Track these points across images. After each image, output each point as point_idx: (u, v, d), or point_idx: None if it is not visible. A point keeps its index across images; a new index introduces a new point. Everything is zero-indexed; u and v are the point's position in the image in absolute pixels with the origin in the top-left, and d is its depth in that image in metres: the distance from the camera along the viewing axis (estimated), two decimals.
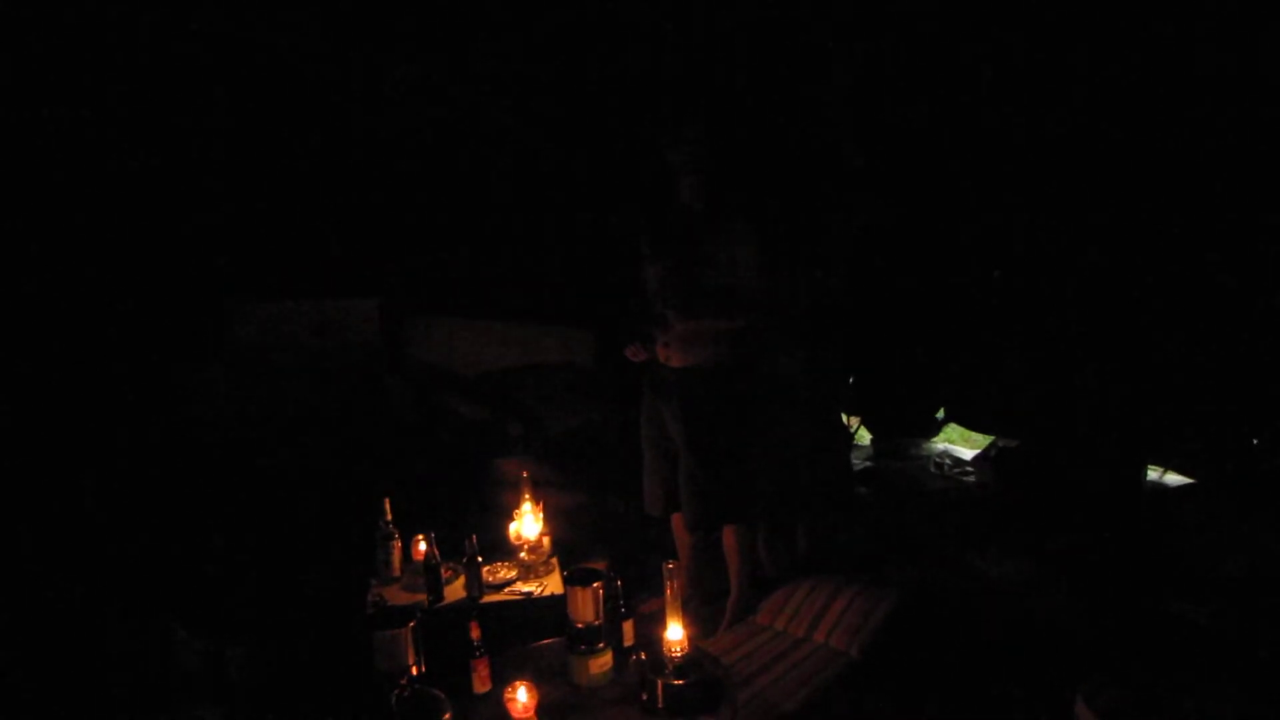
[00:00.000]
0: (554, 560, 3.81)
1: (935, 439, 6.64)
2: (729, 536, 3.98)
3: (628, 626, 2.98)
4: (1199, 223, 4.68)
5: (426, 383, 5.07)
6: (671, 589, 2.72)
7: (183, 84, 4.48)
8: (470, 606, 3.41)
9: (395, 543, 3.68)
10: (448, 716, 2.52)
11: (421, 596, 3.49)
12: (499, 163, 5.19)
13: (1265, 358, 4.74)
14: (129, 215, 4.54)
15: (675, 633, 2.71)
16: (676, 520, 4.12)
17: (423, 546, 3.60)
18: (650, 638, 2.84)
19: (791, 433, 4.75)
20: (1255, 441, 5.00)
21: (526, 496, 3.82)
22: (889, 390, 6.56)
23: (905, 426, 6.58)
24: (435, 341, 5.22)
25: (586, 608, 2.83)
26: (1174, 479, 5.37)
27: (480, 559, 3.52)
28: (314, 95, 4.74)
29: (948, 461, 6.22)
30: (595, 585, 2.85)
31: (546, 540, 3.82)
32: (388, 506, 3.63)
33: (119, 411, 4.36)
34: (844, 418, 5.83)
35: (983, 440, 6.34)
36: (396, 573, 3.69)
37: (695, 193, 3.68)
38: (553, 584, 3.62)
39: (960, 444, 6.66)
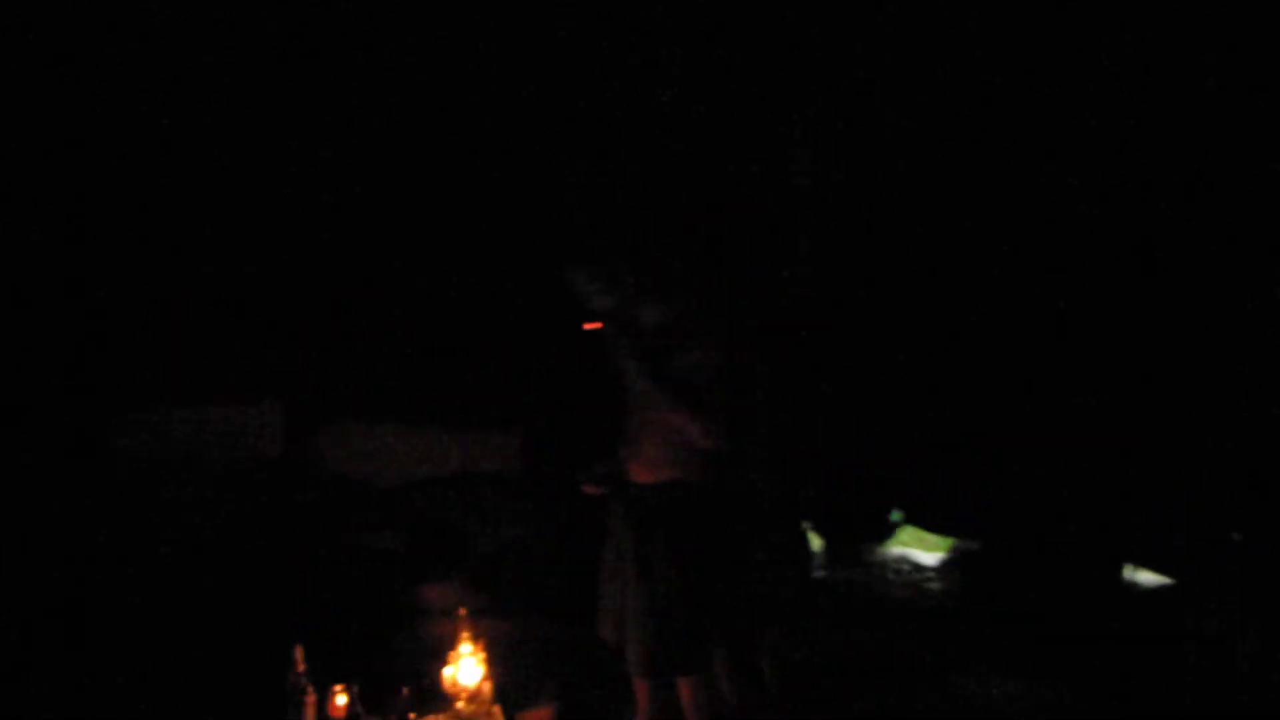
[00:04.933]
0: (496, 709, 3.20)
1: (890, 543, 6.21)
2: (685, 690, 3.32)
3: None
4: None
5: (339, 500, 4.44)
6: None
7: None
8: None
9: (309, 698, 3.01)
10: None
11: None
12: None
13: (1247, 448, 4.50)
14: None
15: None
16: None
17: (341, 700, 2.95)
18: None
19: (753, 543, 4.28)
20: (1235, 537, 4.73)
21: (465, 635, 3.21)
22: (841, 491, 6.19)
23: (859, 530, 6.18)
24: (352, 450, 4.61)
25: None
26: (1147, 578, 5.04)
27: (413, 716, 2.90)
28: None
29: (906, 567, 5.78)
30: None
31: (488, 686, 3.21)
32: (299, 655, 2.98)
33: None
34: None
35: (940, 543, 5.95)
36: None
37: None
38: None
39: (916, 547, 6.22)
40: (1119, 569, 4.89)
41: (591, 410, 3.38)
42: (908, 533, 6.23)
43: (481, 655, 3.25)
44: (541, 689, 3.71)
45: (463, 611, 3.22)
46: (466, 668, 3.18)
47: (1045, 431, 5.27)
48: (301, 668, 2.98)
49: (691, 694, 3.13)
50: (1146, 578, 4.96)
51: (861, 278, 4.98)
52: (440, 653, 3.26)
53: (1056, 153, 4.59)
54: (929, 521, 6.04)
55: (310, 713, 3.01)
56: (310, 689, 3.01)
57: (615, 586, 3.24)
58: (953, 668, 4.25)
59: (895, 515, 6.29)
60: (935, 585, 5.45)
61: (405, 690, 2.93)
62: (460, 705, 3.12)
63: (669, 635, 2.93)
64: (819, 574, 5.74)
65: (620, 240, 3.22)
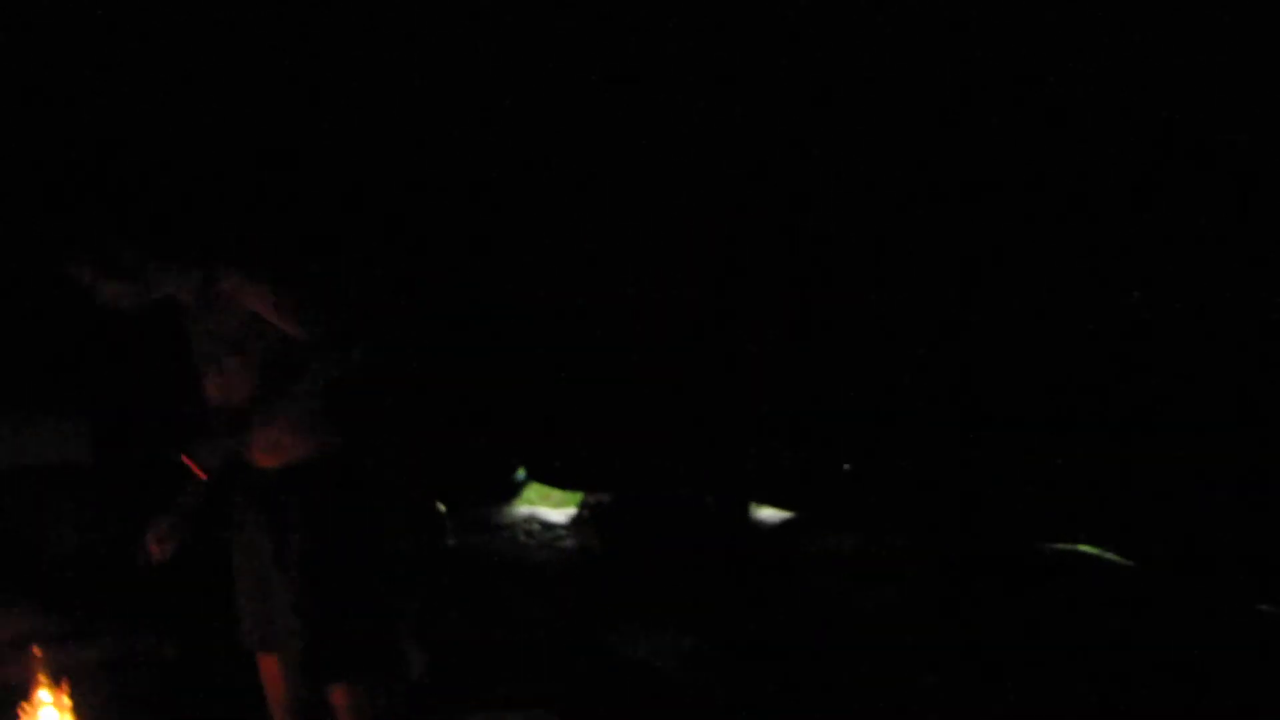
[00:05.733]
0: None
1: (517, 502, 6.06)
2: (341, 696, 2.89)
3: None
4: None
5: None
6: None
7: None
8: None
9: None
10: None
11: None
12: None
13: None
14: None
15: None
16: (268, 665, 3.04)
17: None
18: None
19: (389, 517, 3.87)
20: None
21: (41, 679, 2.52)
22: (458, 452, 5.89)
23: (483, 492, 5.95)
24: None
25: None
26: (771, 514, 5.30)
27: None
28: None
29: (537, 526, 5.66)
30: None
31: None
32: None
33: None
34: None
35: (568, 499, 5.89)
36: None
37: None
38: None
39: (543, 505, 6.12)
40: (745, 508, 5.10)
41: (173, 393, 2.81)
42: (533, 490, 6.13)
43: (67, 700, 2.58)
44: None
45: (36, 651, 2.52)
46: None
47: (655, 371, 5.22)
48: None
49: (351, 700, 2.69)
50: (770, 514, 5.22)
51: None
52: (10, 704, 2.54)
53: None
54: (554, 477, 5.95)
55: None
56: None
57: (251, 583, 2.74)
58: (600, 626, 4.18)
59: (519, 473, 6.15)
60: (569, 543, 5.38)
61: None
62: None
63: (326, 629, 2.53)
64: (449, 543, 5.45)
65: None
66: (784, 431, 4.83)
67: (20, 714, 2.50)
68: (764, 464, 5.08)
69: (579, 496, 5.72)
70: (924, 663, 3.69)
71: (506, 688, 3.71)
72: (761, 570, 4.71)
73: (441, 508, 5.57)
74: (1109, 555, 4.35)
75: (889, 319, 4.11)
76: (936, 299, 3.96)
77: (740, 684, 3.71)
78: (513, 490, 6.04)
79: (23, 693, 2.53)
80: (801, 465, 4.96)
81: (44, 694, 2.52)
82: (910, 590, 4.30)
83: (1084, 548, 4.45)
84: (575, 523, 5.44)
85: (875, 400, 4.36)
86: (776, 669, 3.76)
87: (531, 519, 5.79)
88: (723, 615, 4.24)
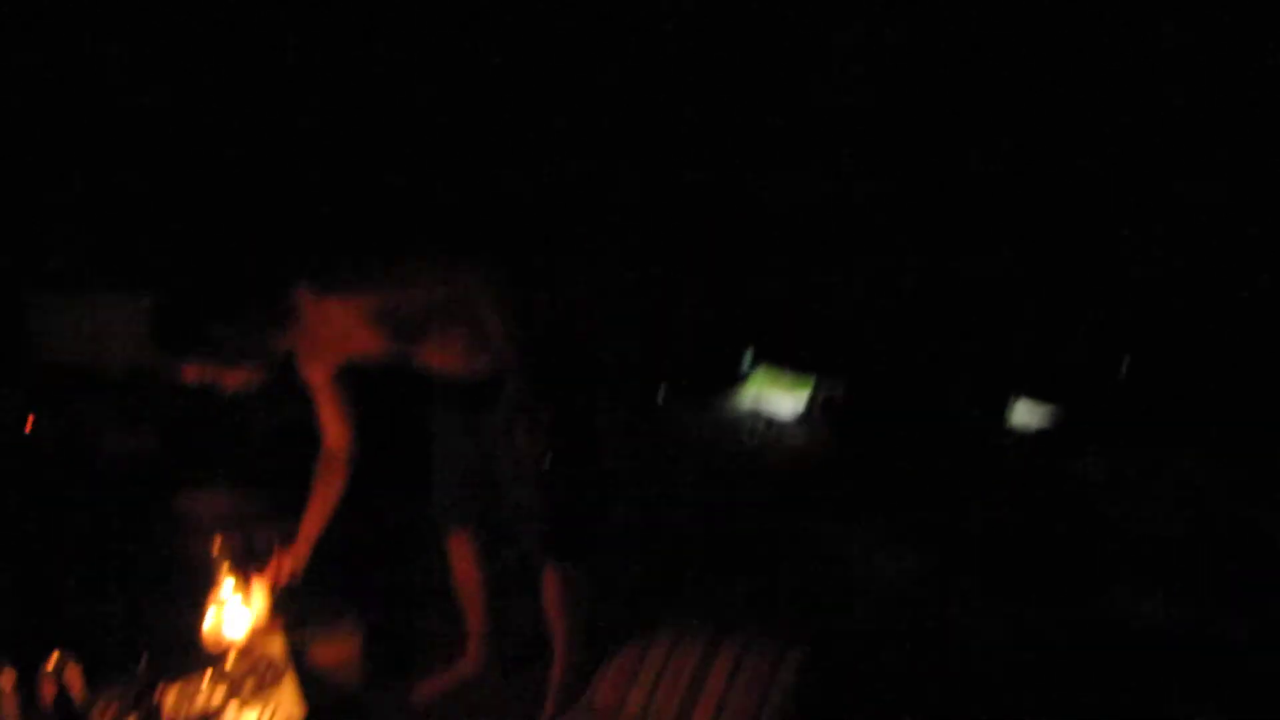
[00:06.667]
0: (280, 650, 2.40)
1: (744, 390, 5.61)
2: (552, 580, 2.70)
3: None
4: None
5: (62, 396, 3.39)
6: None
7: None
8: None
9: (5, 678, 2.10)
10: None
11: None
12: None
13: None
14: None
15: None
16: (459, 545, 2.82)
17: (61, 680, 2.06)
18: None
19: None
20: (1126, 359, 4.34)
21: (225, 571, 2.35)
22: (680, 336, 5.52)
23: (708, 378, 5.56)
24: (75, 327, 3.54)
25: None
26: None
27: (157, 688, 2.04)
28: None
29: (764, 419, 5.20)
30: None
31: (267, 630, 2.40)
32: None
33: None
34: None
35: (798, 386, 5.38)
36: None
37: None
38: (284, 704, 2.22)
39: (770, 393, 5.62)
40: (1004, 405, 4.44)
41: None
42: (762, 373, 5.67)
43: (264, 584, 2.44)
44: (342, 609, 2.91)
45: (218, 544, 2.33)
46: (234, 613, 2.35)
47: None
48: None
49: (560, 585, 2.68)
50: (1027, 414, 4.53)
51: None
52: (206, 582, 2.40)
53: None
54: (784, 362, 5.48)
55: (8, 704, 2.12)
56: (7, 668, 2.10)
57: (451, 468, 2.76)
58: (839, 539, 3.72)
59: (747, 359, 5.70)
60: (799, 438, 4.91)
61: (145, 658, 2.07)
62: (229, 665, 2.29)
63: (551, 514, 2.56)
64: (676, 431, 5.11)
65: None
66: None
67: (211, 599, 2.36)
68: (1031, 355, 4.43)
69: (809, 385, 5.21)
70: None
71: (723, 591, 3.37)
72: (1016, 484, 4.08)
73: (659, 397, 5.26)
74: None
75: None
76: None
77: (983, 613, 3.17)
78: (741, 376, 5.61)
79: (218, 571, 2.39)
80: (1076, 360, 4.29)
81: (228, 588, 2.36)
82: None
83: None
84: (806, 416, 4.92)
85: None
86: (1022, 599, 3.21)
87: (757, 408, 5.34)
88: (972, 533, 3.68)
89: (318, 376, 2.57)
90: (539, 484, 2.50)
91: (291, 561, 2.59)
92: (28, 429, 3.31)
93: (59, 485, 3.07)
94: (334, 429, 2.61)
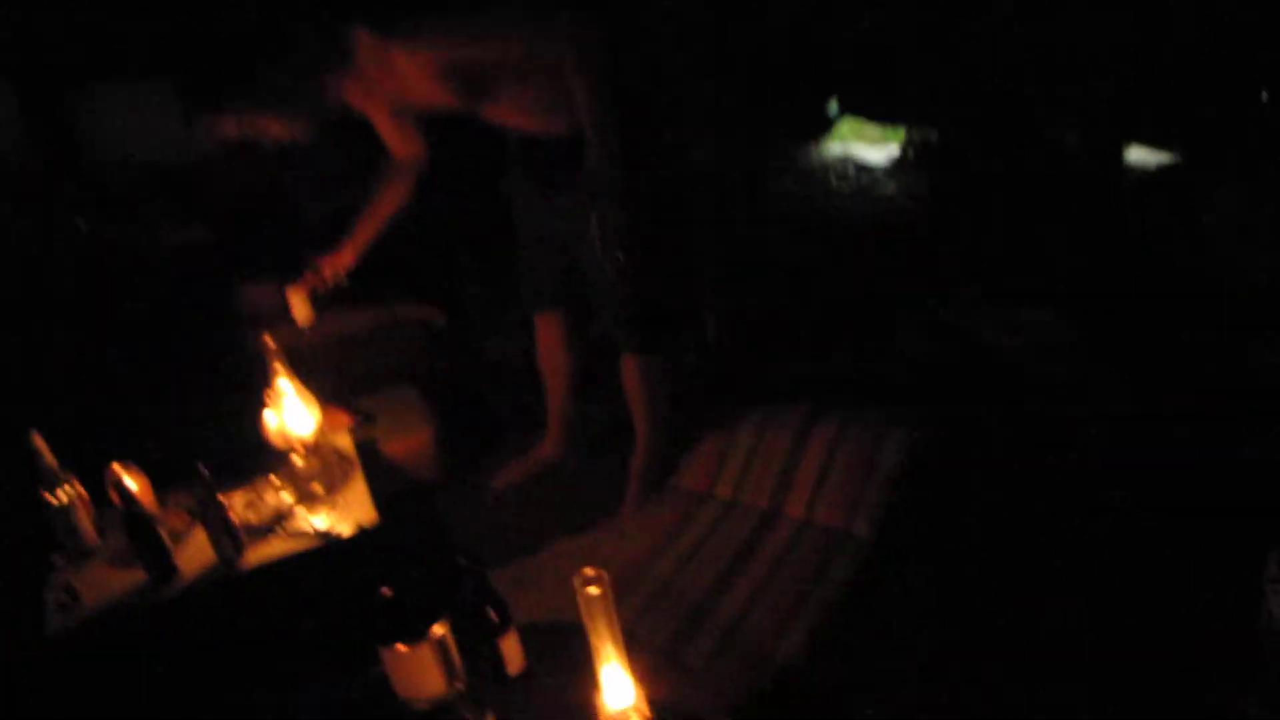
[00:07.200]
0: (353, 455, 2.28)
1: (830, 140, 5.20)
2: (632, 368, 2.53)
3: (508, 648, 1.54)
4: None
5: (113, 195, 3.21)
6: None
7: None
8: (224, 581, 1.90)
9: (70, 489, 2.01)
10: None
11: (140, 574, 1.90)
12: None
13: None
14: None
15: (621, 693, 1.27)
16: (545, 326, 2.66)
17: (127, 484, 1.96)
18: None
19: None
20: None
21: (278, 367, 2.19)
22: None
23: (792, 126, 5.15)
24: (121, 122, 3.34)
25: (425, 675, 1.35)
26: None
27: (223, 492, 1.94)
28: None
29: (851, 170, 4.81)
30: (435, 634, 1.36)
31: (335, 436, 2.29)
32: (40, 442, 1.93)
33: None
34: None
35: (887, 135, 4.96)
36: (92, 540, 2.05)
37: None
38: (357, 502, 2.11)
39: (858, 142, 5.19)
40: (1119, 146, 3.99)
41: None
42: (847, 125, 5.23)
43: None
44: (413, 400, 2.79)
45: (268, 342, 2.15)
46: (294, 408, 2.21)
47: None
48: (50, 457, 1.96)
49: (641, 371, 2.57)
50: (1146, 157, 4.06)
51: None
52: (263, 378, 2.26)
53: None
54: (872, 109, 5.03)
55: (82, 512, 2.04)
56: (71, 479, 2.01)
57: (535, 251, 2.65)
58: (930, 295, 3.44)
59: (832, 107, 5.25)
60: (887, 189, 4.53)
61: (209, 462, 1.96)
62: (298, 462, 2.18)
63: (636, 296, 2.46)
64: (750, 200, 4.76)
65: None
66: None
67: (269, 397, 2.21)
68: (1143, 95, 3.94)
69: (901, 133, 4.77)
70: None
71: (806, 366, 3.16)
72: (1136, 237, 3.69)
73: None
74: None
75: None
76: None
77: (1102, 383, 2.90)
78: (826, 125, 5.16)
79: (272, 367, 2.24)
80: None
81: (284, 383, 2.20)
82: None
83: None
84: (897, 165, 4.53)
85: None
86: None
87: (846, 160, 4.94)
88: (1086, 291, 3.35)
89: (377, 114, 2.44)
90: (621, 272, 2.35)
91: (339, 260, 2.56)
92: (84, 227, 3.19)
93: (118, 281, 2.97)
94: (398, 140, 2.51)
